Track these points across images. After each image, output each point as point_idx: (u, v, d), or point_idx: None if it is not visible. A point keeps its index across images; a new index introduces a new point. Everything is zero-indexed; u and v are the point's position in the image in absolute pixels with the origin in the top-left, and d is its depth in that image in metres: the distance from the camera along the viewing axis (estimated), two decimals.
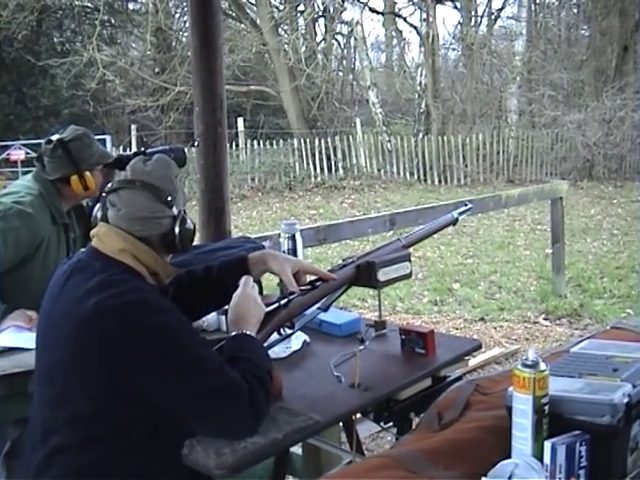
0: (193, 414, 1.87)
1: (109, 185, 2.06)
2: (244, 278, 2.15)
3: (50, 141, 3.05)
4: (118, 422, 1.88)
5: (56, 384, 1.93)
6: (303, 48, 20.18)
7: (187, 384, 1.85)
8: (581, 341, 2.12)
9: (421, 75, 19.43)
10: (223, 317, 2.64)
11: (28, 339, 2.52)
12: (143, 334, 1.84)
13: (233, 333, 2.04)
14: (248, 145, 16.65)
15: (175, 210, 2.01)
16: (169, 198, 2.01)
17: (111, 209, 2.01)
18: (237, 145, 16.52)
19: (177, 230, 2.01)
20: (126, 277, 1.94)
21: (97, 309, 1.84)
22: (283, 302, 2.21)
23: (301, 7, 20.73)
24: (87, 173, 3.04)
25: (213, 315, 2.69)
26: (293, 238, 2.78)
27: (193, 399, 1.86)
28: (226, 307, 2.18)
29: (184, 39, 20.76)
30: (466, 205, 3.02)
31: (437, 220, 2.87)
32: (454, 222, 2.90)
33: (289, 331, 2.26)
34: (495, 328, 6.28)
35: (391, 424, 2.40)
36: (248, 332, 2.04)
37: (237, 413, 1.86)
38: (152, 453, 1.90)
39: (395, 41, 25.88)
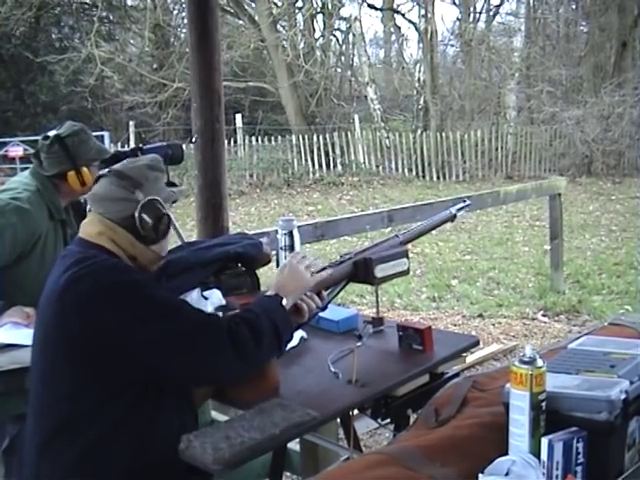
0: (175, 357, 1.92)
1: None
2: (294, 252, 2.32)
3: (47, 137, 3.05)
4: (103, 395, 1.91)
5: (45, 365, 1.98)
6: (301, 44, 20.17)
7: (165, 326, 1.91)
8: (579, 337, 2.12)
9: (419, 71, 19.46)
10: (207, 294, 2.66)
11: (25, 336, 2.52)
12: (116, 290, 1.91)
13: (268, 293, 2.16)
14: (246, 141, 16.64)
15: (140, 195, 2.04)
16: (134, 183, 2.06)
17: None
18: (235, 141, 16.50)
19: (136, 214, 2.03)
20: (100, 254, 2.02)
21: (71, 279, 1.93)
22: None
23: (299, 3, 20.74)
24: (84, 169, 3.04)
25: (197, 294, 2.69)
26: (291, 234, 2.78)
27: (173, 340, 1.92)
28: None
29: (182, 35, 20.74)
30: (465, 202, 3.02)
31: (435, 216, 2.88)
32: (452, 218, 2.91)
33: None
34: (493, 324, 6.28)
35: (388, 420, 2.40)
36: (281, 297, 2.14)
37: (217, 348, 1.94)
38: (139, 431, 1.94)
39: (394, 37, 25.91)
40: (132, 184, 2.05)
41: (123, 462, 1.90)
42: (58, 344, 1.93)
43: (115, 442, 1.90)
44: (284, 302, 2.13)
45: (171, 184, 2.31)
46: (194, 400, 2.14)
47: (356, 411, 2.40)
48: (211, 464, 1.81)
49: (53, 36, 22.79)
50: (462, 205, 2.97)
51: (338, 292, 2.45)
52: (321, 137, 16.82)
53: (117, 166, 2.12)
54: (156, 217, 2.05)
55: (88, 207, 2.13)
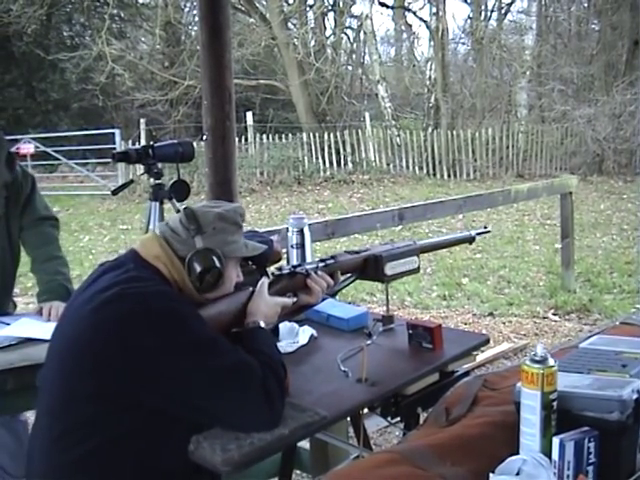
0: (207, 396, 1.88)
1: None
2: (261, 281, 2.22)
3: None
4: (122, 405, 1.88)
5: (68, 364, 1.95)
6: (312, 42, 20.18)
7: (199, 362, 1.87)
8: (590, 337, 2.12)
9: (430, 69, 19.43)
10: None
11: (45, 330, 2.53)
12: (158, 316, 1.88)
13: (247, 325, 2.09)
14: (257, 139, 16.65)
15: (199, 242, 2.04)
16: (197, 228, 2.05)
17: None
18: (246, 139, 16.53)
19: (187, 259, 2.02)
20: (155, 278, 2.00)
21: (119, 294, 1.90)
22: (288, 272, 2.26)
23: (310, 1, 20.74)
24: None
25: None
26: (301, 232, 2.78)
27: (208, 377, 1.87)
28: None
29: (193, 33, 20.80)
30: (485, 227, 3.12)
31: (456, 234, 3.00)
32: (471, 240, 2.97)
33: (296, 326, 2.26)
34: (504, 323, 6.27)
35: (398, 419, 2.40)
36: (261, 324, 2.09)
37: (250, 398, 1.89)
38: (152, 444, 1.91)
39: (405, 35, 25.92)
40: (196, 229, 2.05)
41: (130, 467, 1.89)
42: (86, 349, 1.90)
43: (126, 447, 1.88)
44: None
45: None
46: None
47: (366, 410, 2.40)
48: (220, 465, 1.80)
49: (64, 34, 22.92)
50: (482, 230, 3.06)
51: (347, 285, 2.46)
52: (332, 135, 16.82)
53: (195, 205, 2.12)
54: (205, 268, 2.02)
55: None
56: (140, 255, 2.06)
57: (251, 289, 2.16)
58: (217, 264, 2.03)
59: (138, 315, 1.87)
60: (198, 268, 2.01)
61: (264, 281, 2.19)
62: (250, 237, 2.55)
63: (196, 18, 18.93)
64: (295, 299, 2.26)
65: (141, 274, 1.99)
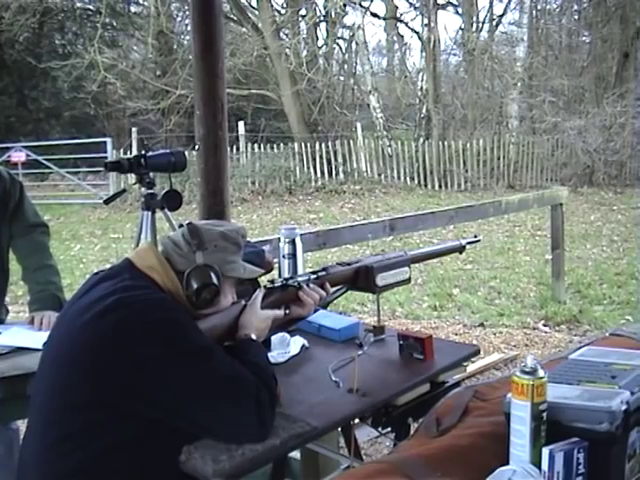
0: (201, 406, 1.88)
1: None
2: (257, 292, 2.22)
3: None
4: (117, 414, 1.87)
5: (62, 373, 1.94)
6: (304, 52, 20.20)
7: (196, 369, 1.87)
8: (580, 348, 2.12)
9: (422, 80, 19.44)
10: None
11: (35, 339, 2.52)
12: (158, 325, 1.88)
13: (240, 338, 2.09)
14: (249, 149, 16.64)
15: (200, 258, 2.05)
16: (199, 244, 2.07)
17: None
18: (238, 149, 16.51)
19: (185, 273, 2.03)
20: (151, 286, 2.01)
21: (116, 303, 1.90)
22: (280, 284, 2.26)
23: (303, 11, 20.75)
24: None
25: None
26: (293, 242, 2.79)
27: (204, 387, 1.87)
28: None
29: (185, 42, 20.83)
30: (476, 237, 3.13)
31: (446, 244, 2.98)
32: (461, 249, 2.98)
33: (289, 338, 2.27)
34: (494, 334, 6.27)
35: (389, 429, 2.41)
36: (253, 337, 2.09)
37: (243, 410, 1.89)
38: (145, 454, 1.90)
39: (396, 46, 26.00)
40: (198, 244, 2.06)
41: (122, 476, 1.88)
42: (82, 358, 1.89)
43: (118, 457, 1.87)
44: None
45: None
46: None
47: (357, 420, 2.40)
48: (211, 476, 1.79)
49: (56, 42, 22.92)
50: (472, 240, 3.08)
51: (338, 296, 2.47)
52: (323, 145, 16.83)
53: (199, 221, 2.15)
54: (203, 284, 2.03)
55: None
56: (134, 265, 2.06)
57: (243, 302, 2.17)
58: (215, 281, 2.04)
59: (136, 323, 1.87)
60: (196, 284, 2.02)
61: (258, 294, 2.20)
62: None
63: (188, 27, 18.98)
64: (287, 311, 2.26)
65: (137, 283, 1.98)
